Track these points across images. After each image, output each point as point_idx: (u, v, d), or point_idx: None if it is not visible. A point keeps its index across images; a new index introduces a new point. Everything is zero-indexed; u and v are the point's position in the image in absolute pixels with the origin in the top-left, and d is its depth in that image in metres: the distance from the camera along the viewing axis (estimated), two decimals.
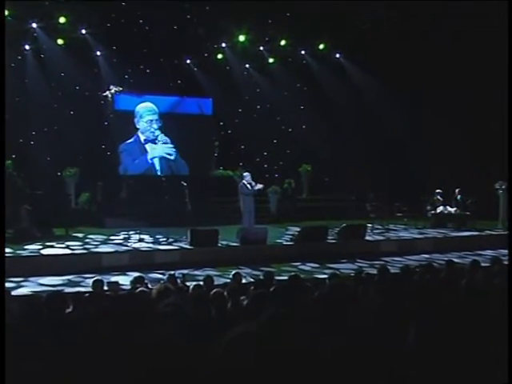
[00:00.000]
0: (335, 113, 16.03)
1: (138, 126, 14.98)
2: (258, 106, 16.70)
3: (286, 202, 15.04)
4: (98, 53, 14.23)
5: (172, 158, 15.33)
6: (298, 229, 11.20)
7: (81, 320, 2.92)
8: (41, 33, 13.07)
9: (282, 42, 15.45)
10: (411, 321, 1.92)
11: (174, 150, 15.36)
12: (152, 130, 15.14)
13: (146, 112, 15.07)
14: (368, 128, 15.78)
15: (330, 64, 16.16)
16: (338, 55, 16.49)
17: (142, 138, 15.12)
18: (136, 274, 6.14)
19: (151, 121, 15.08)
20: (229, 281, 6.32)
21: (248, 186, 10.67)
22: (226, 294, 3.98)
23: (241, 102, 16.27)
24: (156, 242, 10.38)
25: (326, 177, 16.57)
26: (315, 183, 16.00)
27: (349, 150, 15.91)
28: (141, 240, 10.27)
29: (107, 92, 14.07)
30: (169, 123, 15.11)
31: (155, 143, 15.20)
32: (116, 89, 14.00)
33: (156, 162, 15.31)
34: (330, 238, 10.84)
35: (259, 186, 10.61)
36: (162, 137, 15.22)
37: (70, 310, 3.75)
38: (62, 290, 6.83)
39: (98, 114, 13.94)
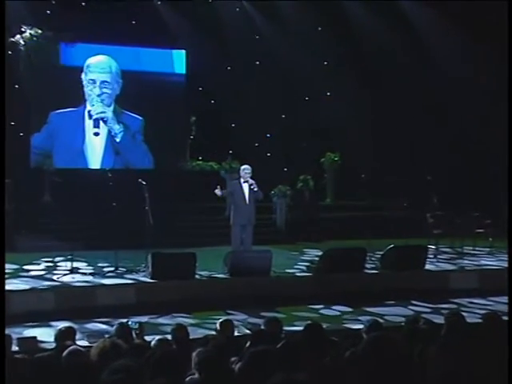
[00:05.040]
0: (379, 73, 16.06)
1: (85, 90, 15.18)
2: (257, 62, 16.73)
3: (300, 211, 15.05)
4: None
5: (128, 142, 15.38)
6: (320, 252, 11.18)
7: None
8: None
9: None
10: None
11: (137, 130, 15.42)
12: (98, 99, 15.18)
13: (93, 68, 15.17)
14: (431, 97, 15.81)
15: None
16: None
17: (90, 109, 15.27)
18: (65, 324, 6.08)
19: (93, 81, 15.15)
20: (213, 333, 6.29)
21: (244, 185, 10.65)
22: (208, 352, 3.94)
23: (230, 56, 16.30)
24: (98, 273, 10.35)
25: (362, 171, 16.58)
26: (346, 181, 16.02)
27: (399, 129, 15.93)
28: (73, 270, 10.23)
29: (18, 37, 14.06)
30: (127, 88, 15.19)
31: (104, 121, 15.27)
32: (32, 31, 14.02)
33: (98, 146, 15.33)
34: (369, 266, 10.83)
35: (218, 192, 10.61)
36: (114, 110, 15.28)
37: None
38: None
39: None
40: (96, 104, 15.24)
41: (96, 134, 15.28)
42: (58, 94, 14.62)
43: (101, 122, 15.34)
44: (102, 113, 15.31)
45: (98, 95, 15.24)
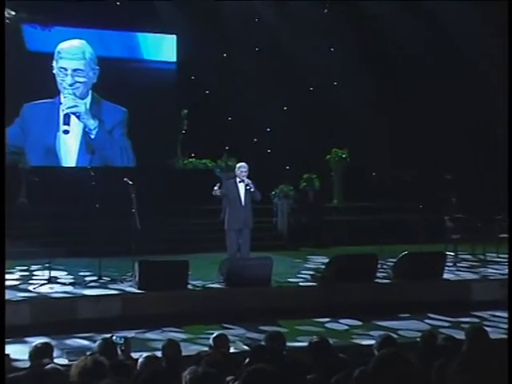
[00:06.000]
0: (392, 61, 16.04)
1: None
2: (257, 48, 16.71)
3: (303, 214, 15.05)
4: None
5: (105, 138, 15.35)
6: (326, 259, 11.17)
7: None
8: None
9: None
10: None
11: (119, 123, 15.40)
12: (69, 89, 15.16)
13: (64, 54, 15.15)
14: (451, 88, 15.78)
15: None
16: None
17: (62, 102, 15.24)
18: (41, 340, 6.06)
19: (64, 69, 15.13)
20: (206, 349, 6.28)
21: (239, 185, 10.66)
22: (201, 370, 3.93)
23: (226, 42, 16.28)
24: (79, 282, 10.33)
25: (373, 170, 16.57)
26: (354, 181, 16.02)
27: (414, 123, 15.92)
28: (51, 280, 10.22)
29: None
30: (108, 77, 15.15)
31: (76, 116, 15.26)
32: (5, 13, 13.99)
33: (71, 144, 15.29)
34: (380, 274, 10.83)
35: (217, 190, 10.57)
36: (92, 100, 15.26)
37: None
38: None
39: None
40: (68, 96, 15.22)
41: (65, 132, 15.22)
42: (32, 83, 14.60)
43: (73, 118, 15.28)
44: (73, 107, 15.28)
45: (70, 85, 15.21)
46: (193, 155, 16.17)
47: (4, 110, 10.63)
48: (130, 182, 10.58)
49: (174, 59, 16.06)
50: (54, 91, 15.20)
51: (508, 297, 8.06)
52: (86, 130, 15.44)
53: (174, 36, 15.98)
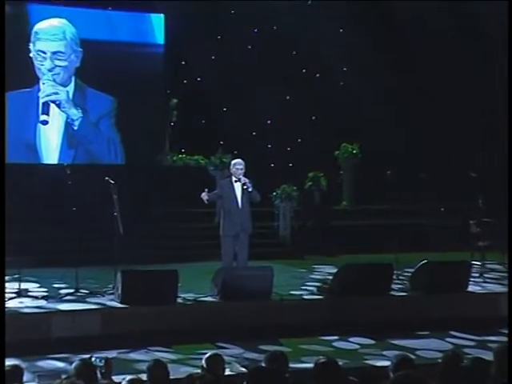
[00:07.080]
0: (409, 44, 16.06)
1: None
2: (255, 30, 16.71)
3: (308, 218, 15.06)
4: None
5: (89, 130, 15.34)
6: (334, 269, 11.19)
7: None
8: None
9: None
10: None
11: (106, 113, 15.40)
12: (49, 75, 15.13)
13: (43, 35, 15.11)
14: (476, 73, 15.79)
15: None
16: None
17: (44, 89, 15.21)
18: (10, 362, 6.05)
19: (43, 52, 15.10)
20: (198, 371, 6.27)
21: (235, 185, 10.67)
22: None
23: (221, 23, 16.27)
24: (53, 296, 10.32)
25: (387, 167, 16.57)
26: (366, 180, 16.03)
27: (434, 114, 15.93)
28: (22, 293, 10.21)
29: None
30: (90, 62, 15.14)
31: (57, 105, 15.21)
32: None
33: (52, 137, 15.28)
34: (396, 286, 10.84)
35: (205, 196, 10.51)
36: (76, 86, 15.25)
37: None
38: None
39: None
40: (47, 83, 15.11)
41: (44, 123, 15.11)
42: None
43: (52, 107, 15.17)
44: (52, 94, 15.17)
45: (50, 70, 15.11)
46: (183, 150, 16.15)
47: (4, 108, 11.07)
48: (112, 182, 10.55)
49: (162, 41, 16.03)
50: (32, 79, 15.06)
51: (508, 301, 8.45)
52: (68, 120, 15.32)
53: (162, 15, 15.94)
